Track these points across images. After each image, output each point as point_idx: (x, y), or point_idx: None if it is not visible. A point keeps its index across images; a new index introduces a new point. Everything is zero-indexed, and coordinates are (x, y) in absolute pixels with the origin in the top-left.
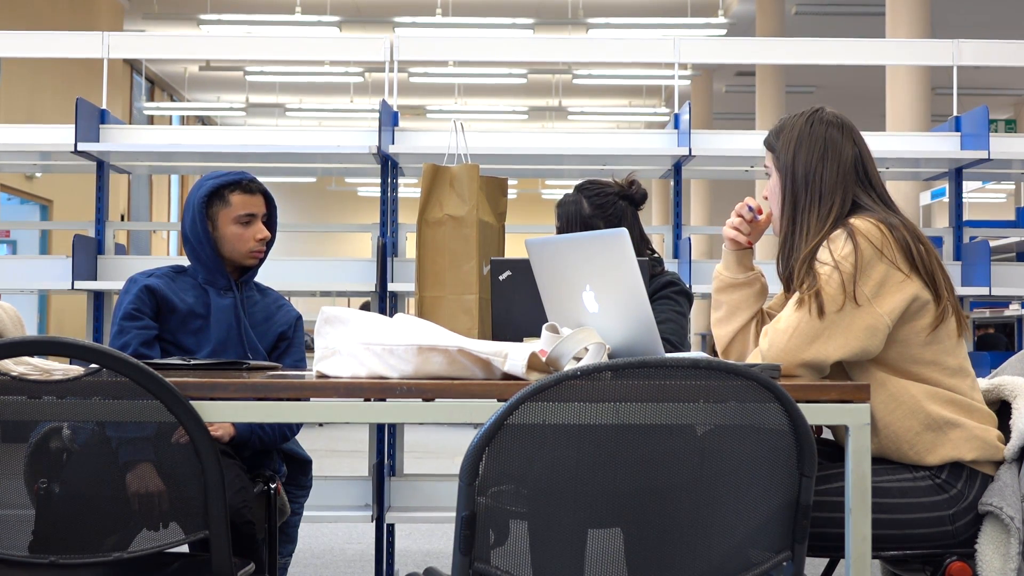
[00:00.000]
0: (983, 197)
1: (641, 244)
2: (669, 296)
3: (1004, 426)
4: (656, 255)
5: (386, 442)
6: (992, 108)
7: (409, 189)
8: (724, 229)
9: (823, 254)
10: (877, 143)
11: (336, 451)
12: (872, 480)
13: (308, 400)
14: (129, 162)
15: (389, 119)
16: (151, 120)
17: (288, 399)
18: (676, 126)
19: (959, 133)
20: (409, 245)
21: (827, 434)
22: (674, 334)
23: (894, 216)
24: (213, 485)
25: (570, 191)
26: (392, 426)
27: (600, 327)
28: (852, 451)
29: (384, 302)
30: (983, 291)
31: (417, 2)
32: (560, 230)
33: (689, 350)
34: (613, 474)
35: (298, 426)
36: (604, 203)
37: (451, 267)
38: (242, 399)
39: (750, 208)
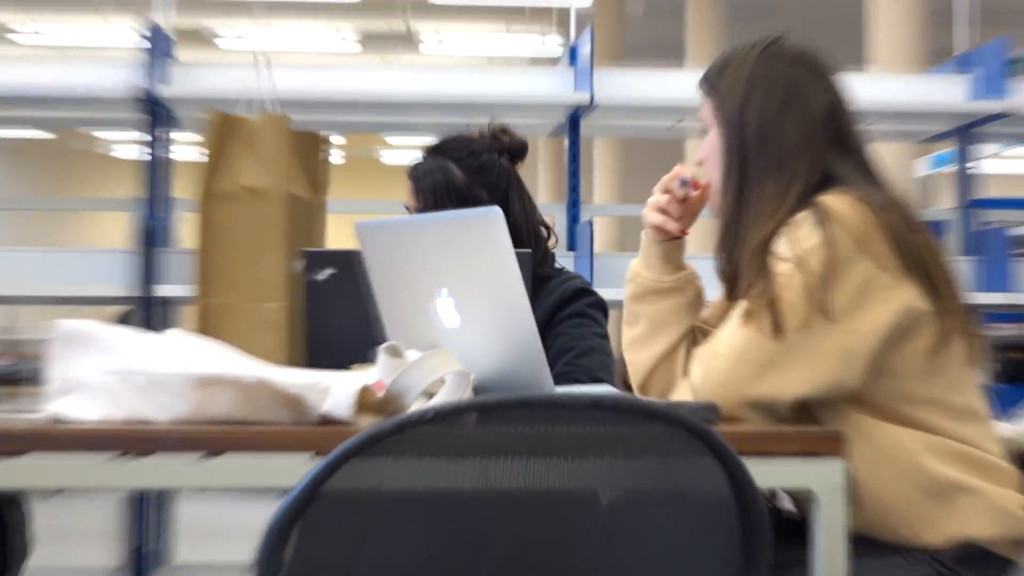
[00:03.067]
0: (1004, 167)
1: (533, 217)
2: (585, 313)
3: None
4: (551, 238)
5: (149, 518)
6: (1015, 42)
7: (188, 149)
8: (644, 212)
9: (781, 246)
10: (855, 90)
11: (76, 532)
12: (850, 568)
13: (33, 453)
14: None
15: (160, 48)
16: None
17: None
18: (573, 62)
19: (969, 76)
20: (187, 230)
21: (786, 502)
22: (603, 368)
23: (881, 192)
24: None
25: (421, 156)
26: (159, 494)
27: (462, 349)
28: (821, 527)
29: (149, 312)
30: (1002, 298)
31: None
32: (422, 212)
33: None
34: (480, 561)
35: None
36: (483, 165)
37: (247, 262)
38: None
39: (683, 181)
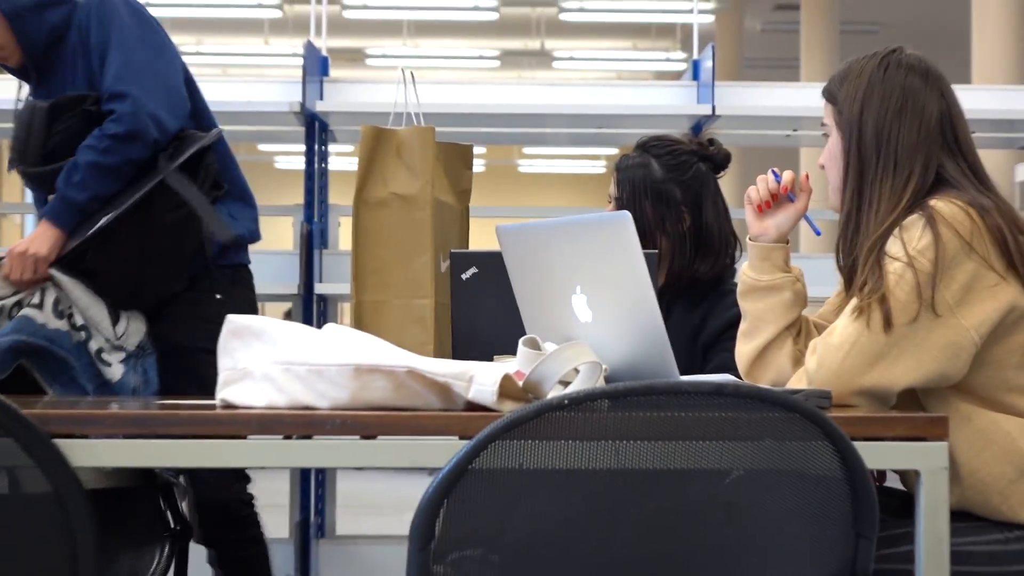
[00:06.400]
0: None
1: (725, 224)
2: None
3: None
4: (734, 253)
5: (313, 493)
6: None
7: (343, 159)
8: (746, 208)
9: (894, 246)
10: (960, 99)
11: None
12: (952, 542)
13: (209, 438)
14: None
15: (316, 66)
16: None
17: (182, 436)
18: (695, 77)
19: None
20: (343, 233)
21: (893, 481)
22: None
23: (987, 196)
24: (83, 553)
25: (631, 152)
26: (321, 473)
27: (594, 342)
28: (925, 504)
29: (310, 308)
30: None
31: None
32: (621, 202)
33: None
34: (612, 535)
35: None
36: (680, 164)
37: (398, 262)
38: (122, 436)
39: (776, 176)
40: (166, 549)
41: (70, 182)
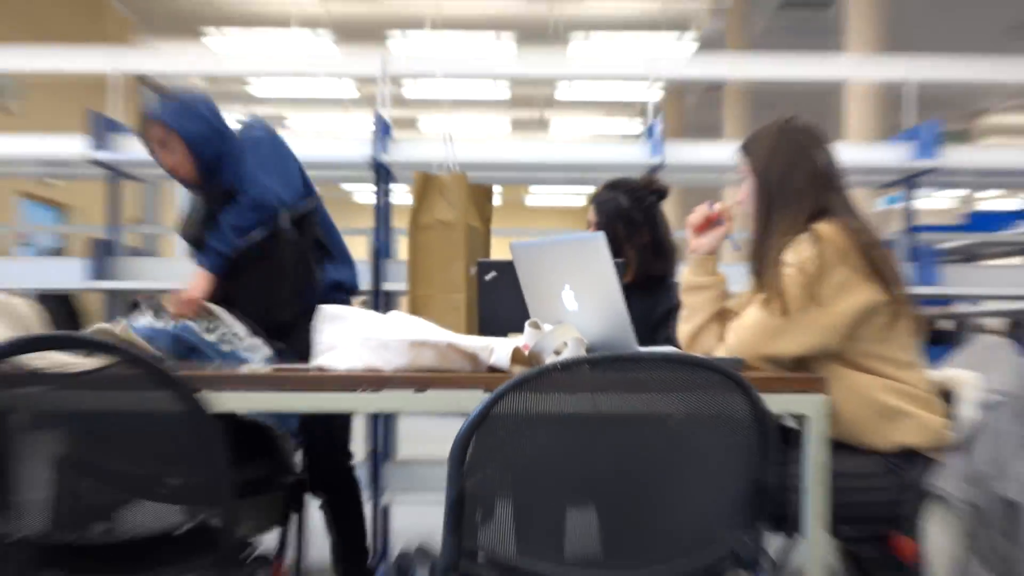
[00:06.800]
0: (933, 204)
1: (669, 236)
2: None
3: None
4: (677, 257)
5: (380, 430)
6: (949, 121)
7: (402, 195)
8: (687, 229)
9: (789, 256)
10: (838, 152)
11: None
12: (830, 462)
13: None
14: (142, 170)
15: (383, 130)
16: None
17: (290, 390)
18: (650, 137)
19: (912, 144)
20: (401, 248)
21: (788, 421)
22: None
23: (857, 221)
24: (221, 467)
25: (603, 190)
26: (387, 416)
27: (578, 324)
28: (811, 437)
29: (378, 301)
30: (931, 290)
31: (408, 16)
32: (599, 225)
33: None
34: (590, 459)
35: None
36: (639, 196)
37: (440, 268)
38: (247, 390)
39: (709, 207)
40: (286, 496)
41: (216, 239)
